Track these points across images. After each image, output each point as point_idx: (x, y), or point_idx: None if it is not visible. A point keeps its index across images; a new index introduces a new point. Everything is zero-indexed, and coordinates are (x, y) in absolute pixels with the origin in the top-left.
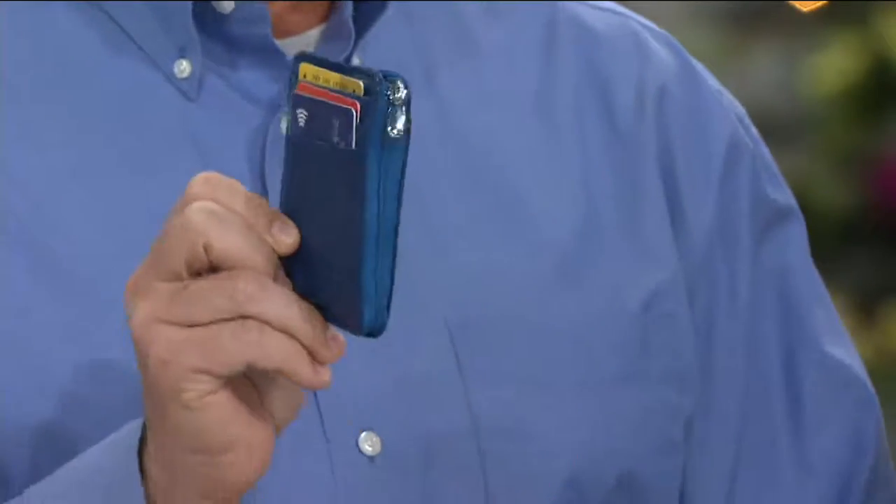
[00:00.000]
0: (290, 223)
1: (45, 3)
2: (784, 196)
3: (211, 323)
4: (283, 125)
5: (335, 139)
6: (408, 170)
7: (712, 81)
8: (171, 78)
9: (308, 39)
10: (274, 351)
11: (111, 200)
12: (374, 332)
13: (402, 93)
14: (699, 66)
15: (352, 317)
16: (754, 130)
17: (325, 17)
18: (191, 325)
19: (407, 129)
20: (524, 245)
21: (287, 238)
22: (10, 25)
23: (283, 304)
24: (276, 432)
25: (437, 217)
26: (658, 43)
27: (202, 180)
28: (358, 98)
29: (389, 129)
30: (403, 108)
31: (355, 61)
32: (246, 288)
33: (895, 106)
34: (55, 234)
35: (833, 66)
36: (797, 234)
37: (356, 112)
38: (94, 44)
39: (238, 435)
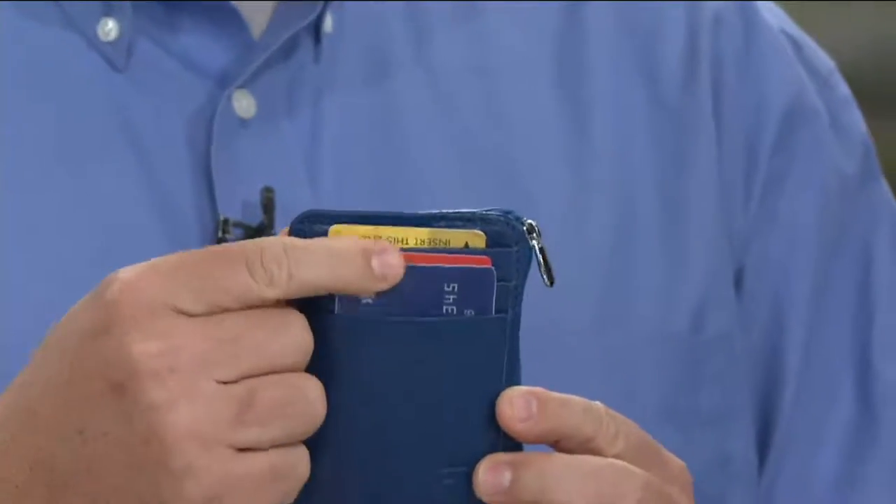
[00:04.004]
0: (391, 248)
1: None
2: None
3: None
4: (237, 104)
5: (447, 309)
6: (398, 145)
7: (789, 27)
8: (93, 41)
9: None
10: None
11: (26, 208)
12: None
13: (536, 230)
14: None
15: None
16: (841, 91)
17: None
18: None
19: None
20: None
21: (391, 267)
22: None
23: None
24: None
25: (427, 200)
26: None
27: None
28: (484, 252)
29: (545, 278)
30: (543, 249)
31: (328, 23)
32: None
33: None
34: None
35: None
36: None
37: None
38: (7, 6)
39: None
